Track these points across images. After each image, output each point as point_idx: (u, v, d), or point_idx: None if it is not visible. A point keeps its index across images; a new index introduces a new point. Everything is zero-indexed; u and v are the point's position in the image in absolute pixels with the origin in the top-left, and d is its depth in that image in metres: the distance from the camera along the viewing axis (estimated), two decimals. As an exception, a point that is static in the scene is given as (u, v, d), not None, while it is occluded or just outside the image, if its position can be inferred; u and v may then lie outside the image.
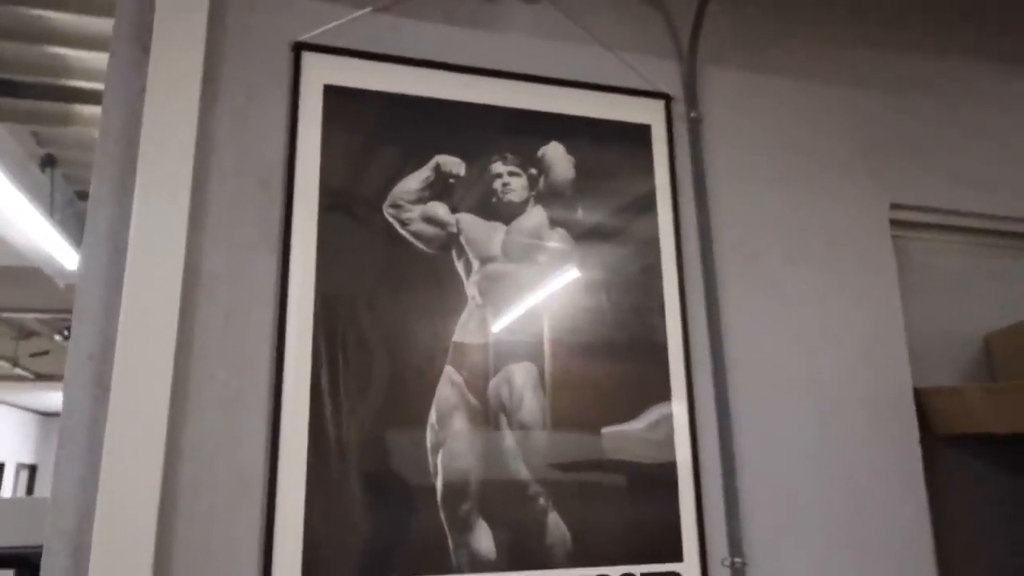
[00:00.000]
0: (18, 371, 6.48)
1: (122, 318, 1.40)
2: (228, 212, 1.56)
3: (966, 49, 2.32)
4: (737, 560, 1.63)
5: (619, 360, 1.74)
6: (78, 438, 1.40)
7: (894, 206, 2.07)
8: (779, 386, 1.84)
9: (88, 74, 2.88)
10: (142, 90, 1.53)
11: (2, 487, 8.84)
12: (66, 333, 4.99)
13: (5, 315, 5.40)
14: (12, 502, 7.74)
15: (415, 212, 1.67)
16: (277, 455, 1.46)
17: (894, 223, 2.07)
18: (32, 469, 9.85)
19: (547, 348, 1.71)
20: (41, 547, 4.32)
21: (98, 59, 2.76)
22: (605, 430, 1.68)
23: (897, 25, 2.27)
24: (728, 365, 1.79)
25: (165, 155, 1.51)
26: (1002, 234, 2.25)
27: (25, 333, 6.35)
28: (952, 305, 2.19)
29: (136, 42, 1.58)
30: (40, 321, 5.81)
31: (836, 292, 1.96)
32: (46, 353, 6.21)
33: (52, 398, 8.61)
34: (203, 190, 1.54)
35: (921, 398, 1.91)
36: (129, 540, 1.34)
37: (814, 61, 2.13)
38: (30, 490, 9.53)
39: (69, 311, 4.30)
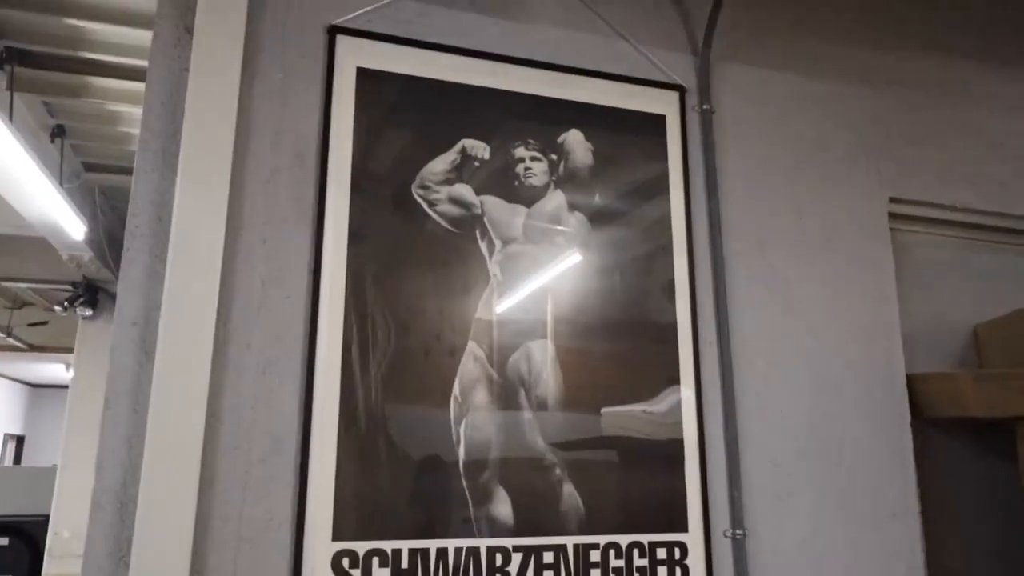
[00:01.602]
0: (11, 341, 6.44)
1: (166, 287, 1.43)
2: (265, 187, 1.59)
3: (965, 52, 2.36)
4: (738, 532, 1.68)
5: (631, 339, 1.78)
6: (123, 401, 1.43)
7: (893, 200, 2.12)
8: (780, 369, 1.88)
9: (102, 47, 2.86)
10: (184, 69, 1.56)
11: None
12: (66, 304, 4.98)
13: (1, 284, 5.37)
14: (13, 472, 7.70)
15: (442, 193, 1.69)
16: (310, 420, 1.50)
17: (892, 216, 2.11)
18: (20, 440, 9.80)
19: (564, 327, 1.74)
20: (36, 518, 4.34)
21: (114, 31, 2.77)
22: (618, 408, 1.72)
23: (902, 27, 2.30)
24: (733, 348, 1.82)
25: (207, 131, 1.54)
26: (993, 229, 2.27)
27: (18, 302, 6.28)
28: (944, 296, 2.21)
29: (179, 22, 1.60)
30: (36, 292, 5.76)
31: (836, 280, 1.99)
32: (45, 323, 6.17)
33: (44, 369, 8.57)
34: (242, 166, 1.57)
35: (913, 383, 1.94)
36: (172, 497, 1.37)
37: (821, 59, 2.16)
38: (17, 460, 9.47)
39: (69, 282, 4.30)
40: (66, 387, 6.16)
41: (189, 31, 1.60)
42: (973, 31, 2.37)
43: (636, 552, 1.65)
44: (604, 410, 1.73)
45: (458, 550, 1.56)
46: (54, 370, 8.21)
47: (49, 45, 2.87)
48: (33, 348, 6.65)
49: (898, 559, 1.87)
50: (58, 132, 3.56)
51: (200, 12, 1.60)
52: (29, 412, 10.16)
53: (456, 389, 1.63)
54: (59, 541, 4.66)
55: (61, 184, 3.39)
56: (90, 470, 1.45)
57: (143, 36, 2.64)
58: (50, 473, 5.14)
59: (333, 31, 1.69)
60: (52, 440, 8.28)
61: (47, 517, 4.73)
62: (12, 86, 2.86)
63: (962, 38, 2.35)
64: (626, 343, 1.79)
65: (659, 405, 1.75)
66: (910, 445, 1.93)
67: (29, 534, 4.58)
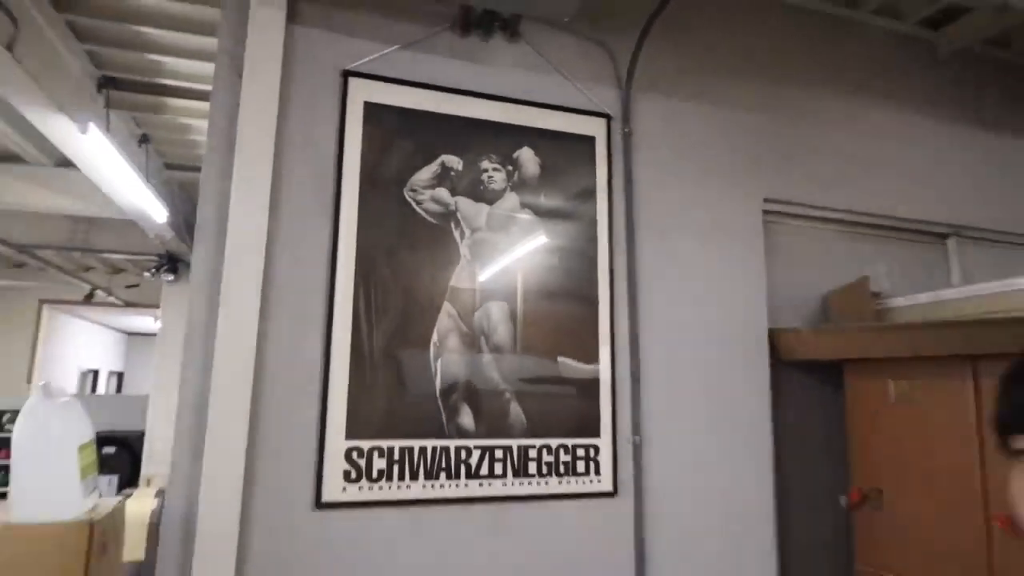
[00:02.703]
0: (111, 299, 6.48)
1: (226, 260, 1.54)
2: (296, 188, 1.67)
3: (823, 85, 2.36)
4: (636, 438, 1.82)
5: (565, 304, 1.85)
6: (197, 342, 1.54)
7: (767, 200, 2.16)
8: (675, 326, 1.95)
9: (176, 75, 2.91)
10: (236, 104, 1.62)
11: (98, 387, 8.91)
12: (153, 271, 5.04)
13: (103, 255, 5.40)
14: (116, 399, 7.89)
15: (426, 195, 1.76)
16: (329, 358, 1.60)
17: (766, 212, 2.16)
18: (120, 375, 9.90)
19: (519, 292, 1.81)
20: (134, 432, 4.56)
21: (184, 63, 2.81)
22: (561, 359, 1.81)
23: (776, 67, 2.30)
24: (640, 311, 1.91)
25: (254, 146, 1.62)
26: (841, 222, 2.33)
27: (116, 269, 6.33)
28: (803, 271, 2.23)
29: (232, 69, 1.66)
30: (129, 261, 5.78)
31: (720, 260, 2.06)
32: (137, 286, 6.21)
33: (137, 321, 8.60)
34: (279, 172, 1.64)
35: (773, 335, 2.04)
36: (233, 409, 1.49)
37: (715, 93, 2.16)
38: (119, 390, 9.57)
39: (155, 254, 4.41)
40: (154, 334, 6.22)
41: (240, 75, 1.63)
42: (830, 69, 2.39)
43: (562, 451, 1.75)
44: (547, 358, 1.80)
45: (434, 448, 1.65)
46: (144, 321, 8.17)
47: (136, 74, 2.92)
48: (128, 304, 6.71)
49: (754, 455, 1.96)
50: (144, 139, 3.60)
51: (247, 61, 1.63)
52: (127, 354, 10.16)
53: (435, 336, 1.70)
54: (153, 450, 4.77)
55: (147, 180, 3.44)
56: (174, 396, 1.53)
57: (207, 67, 2.65)
58: (144, 399, 5.26)
59: (346, 74, 1.74)
60: (144, 375, 8.39)
61: (143, 432, 4.84)
62: (108, 104, 2.93)
63: (821, 75, 2.37)
64: (560, 306, 1.84)
65: (583, 353, 1.82)
66: (767, 379, 2.02)
67: (130, 444, 4.74)
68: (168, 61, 2.82)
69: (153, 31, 2.58)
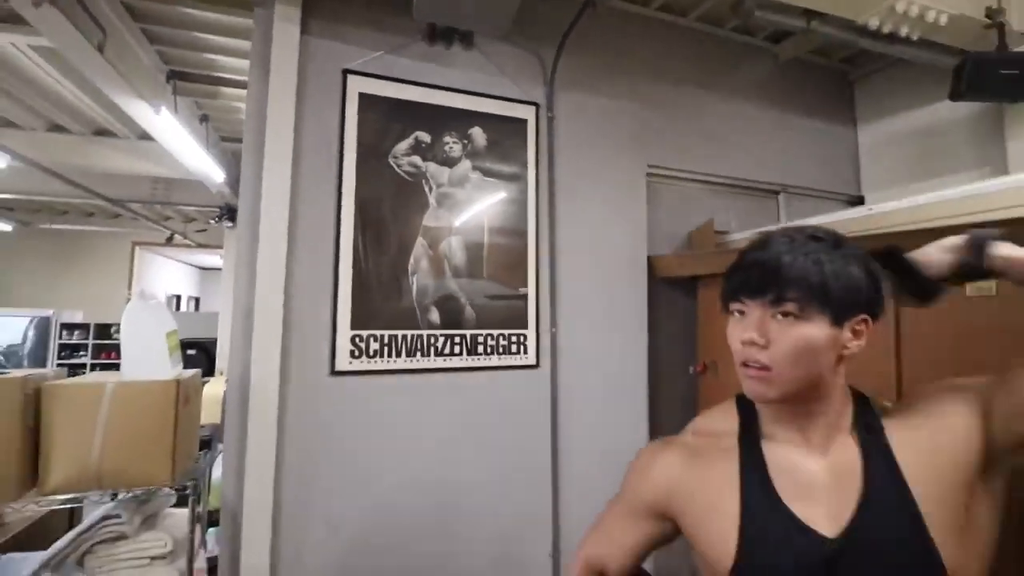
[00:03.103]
0: (186, 241, 6.43)
1: (262, 214, 1.62)
2: (311, 157, 1.71)
3: (693, 80, 2.37)
4: (553, 329, 1.94)
5: (504, 239, 1.92)
6: (244, 271, 1.61)
7: (650, 166, 2.20)
8: (582, 253, 2.02)
9: (228, 69, 2.86)
10: (266, 93, 1.66)
11: (180, 308, 8.94)
12: (216, 219, 4.97)
13: (178, 207, 5.35)
14: (194, 315, 7.95)
15: (404, 161, 1.82)
16: (337, 280, 1.69)
17: (649, 175, 2.19)
18: (197, 300, 9.90)
19: (472, 229, 1.87)
20: (210, 339, 4.70)
21: (234, 61, 2.77)
22: (494, 283, 1.89)
23: (660, 67, 2.30)
24: (557, 244, 1.99)
25: (280, 131, 1.67)
26: (704, 182, 2.37)
27: (189, 218, 6.29)
28: (675, 217, 2.28)
29: (263, 65, 1.69)
30: (198, 211, 5.74)
31: (615, 209, 2.10)
32: (205, 230, 6.19)
33: (207, 258, 8.54)
34: (298, 148, 1.69)
35: (651, 260, 2.11)
36: (272, 310, 1.59)
37: (616, 88, 2.16)
38: (197, 309, 9.65)
39: (217, 206, 4.39)
40: (220, 268, 6.23)
41: (268, 74, 1.67)
42: (698, 70, 2.38)
43: (501, 338, 1.86)
44: (486, 276, 1.89)
45: (412, 335, 1.76)
46: (213, 259, 8.12)
47: (196, 68, 2.87)
48: (199, 245, 6.67)
49: (634, 341, 2.05)
50: (204, 118, 3.54)
51: (273, 65, 1.67)
52: (201, 284, 10.12)
53: (411, 261, 1.79)
54: (223, 351, 4.81)
55: (207, 149, 3.44)
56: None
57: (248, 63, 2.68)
58: (215, 315, 5.31)
59: (345, 72, 1.76)
60: (214, 299, 8.35)
61: (215, 339, 4.92)
62: (175, 92, 2.90)
63: (691, 75, 2.37)
64: (501, 239, 1.92)
65: (519, 271, 1.91)
66: (645, 290, 2.08)
67: (207, 348, 4.84)
68: (219, 59, 2.78)
69: (208, 36, 2.56)
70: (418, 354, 1.78)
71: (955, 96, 1.86)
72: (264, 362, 1.58)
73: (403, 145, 1.84)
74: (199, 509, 1.53)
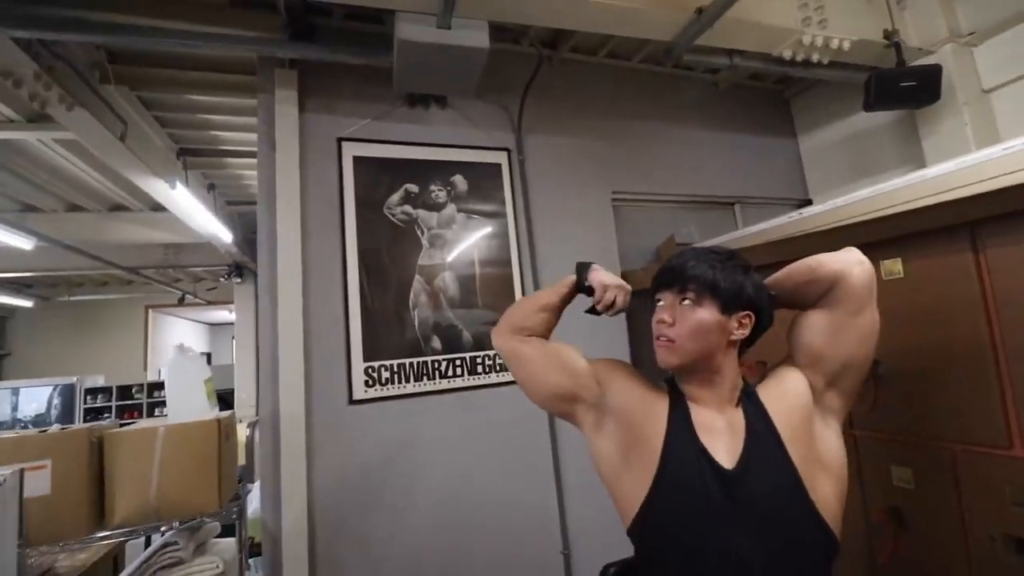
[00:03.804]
0: (197, 300, 6.56)
1: (279, 266, 1.77)
2: (316, 214, 1.87)
3: (647, 114, 2.53)
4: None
5: (492, 268, 2.06)
6: (267, 321, 1.76)
7: (614, 192, 2.36)
8: (560, 276, 2.08)
9: (232, 142, 3.06)
10: (272, 164, 1.84)
11: None
12: (225, 276, 5.07)
13: (188, 269, 5.51)
14: (211, 368, 8.02)
15: (397, 210, 1.98)
16: (348, 314, 1.84)
17: (614, 199, 2.35)
18: (208, 355, 9.90)
19: (458, 266, 2.01)
20: (226, 390, 4.79)
21: (234, 135, 2.97)
22: (486, 302, 2.02)
23: (616, 105, 2.46)
24: (539, 270, 2.11)
25: (287, 191, 1.83)
26: (663, 201, 2.51)
27: (198, 279, 6.44)
28: (642, 235, 2.40)
29: (269, 142, 1.86)
30: (206, 271, 5.88)
31: (586, 233, 2.25)
32: (215, 288, 6.34)
33: (216, 315, 8.62)
34: (305, 206, 1.86)
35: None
36: (293, 354, 1.74)
37: (581, 128, 2.33)
38: (209, 362, 9.63)
39: (226, 264, 4.54)
40: (230, 323, 6.40)
41: (273, 147, 1.83)
42: (651, 105, 2.55)
43: (497, 358, 1.97)
44: (481, 305, 2.01)
45: (418, 362, 1.90)
46: (222, 315, 8.31)
47: (204, 144, 3.08)
48: (209, 303, 6.81)
49: (619, 353, 2.11)
50: (211, 187, 3.73)
51: (278, 137, 1.83)
52: (211, 339, 10.20)
53: (411, 296, 1.94)
54: (240, 399, 4.85)
55: (215, 213, 3.60)
56: (250, 363, 1.79)
57: (249, 136, 2.84)
58: (230, 367, 5.28)
59: (340, 140, 1.93)
60: (223, 353, 8.55)
61: (232, 389, 4.96)
62: (186, 167, 3.11)
63: (645, 109, 2.53)
64: (489, 271, 2.06)
65: (504, 298, 2.00)
66: None
67: (224, 398, 4.96)
68: (223, 135, 3.00)
69: (213, 117, 2.78)
70: (424, 378, 1.92)
71: (867, 107, 2.11)
72: (291, 397, 1.74)
73: (395, 197, 2.01)
74: (243, 536, 1.69)
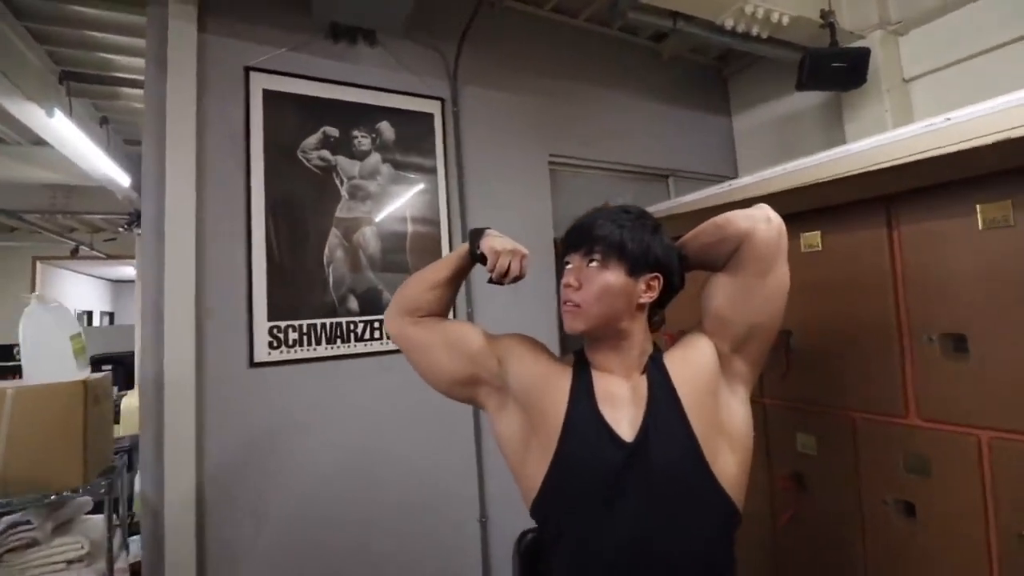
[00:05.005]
0: (95, 252, 5.95)
1: (167, 213, 1.56)
2: (216, 153, 1.66)
3: (588, 77, 2.42)
4: (469, 309, 1.97)
5: (416, 226, 1.94)
6: (151, 275, 1.57)
7: (551, 155, 2.28)
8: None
9: (127, 69, 2.69)
10: (163, 93, 1.59)
11: (95, 323, 8.23)
12: (125, 227, 4.56)
13: (81, 216, 4.89)
14: (108, 328, 7.36)
15: (313, 155, 1.80)
16: (251, 268, 1.66)
17: (551, 163, 2.28)
18: (111, 315, 9.15)
19: (380, 220, 1.87)
20: (126, 353, 4.37)
21: (129, 61, 2.59)
22: (411, 260, 1.91)
23: (557, 63, 2.36)
24: (468, 230, 1.94)
25: (181, 126, 1.60)
26: (599, 168, 2.46)
27: (95, 228, 5.80)
28: (577, 203, 2.31)
29: (160, 65, 1.61)
30: (105, 220, 5.24)
31: (521, 196, 2.17)
32: (114, 239, 5.72)
33: (119, 270, 7.93)
34: (202, 142, 1.63)
35: (557, 243, 2.17)
36: (185, 310, 1.53)
37: (517, 83, 2.23)
38: (112, 323, 8.91)
39: (126, 212, 4.05)
40: (133, 280, 5.91)
41: (165, 70, 1.59)
42: (592, 67, 2.47)
43: None
44: (411, 266, 1.89)
45: (331, 324, 1.76)
46: (126, 271, 7.60)
47: (94, 68, 2.67)
48: (110, 257, 6.18)
49: (545, 309, 2.07)
50: (104, 121, 3.31)
51: (170, 63, 1.59)
52: (114, 298, 9.34)
53: (326, 252, 1.79)
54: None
55: (110, 153, 3.19)
56: None
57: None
58: (131, 328, 5.00)
59: (247, 69, 1.72)
60: (129, 313, 7.83)
61: (133, 352, 4.61)
62: (70, 94, 2.69)
63: (586, 71, 2.45)
64: (413, 228, 1.94)
65: (431, 257, 1.90)
66: (553, 268, 2.14)
67: (124, 362, 4.54)
68: (116, 59, 2.59)
69: (101, 35, 2.38)
70: (338, 340, 1.78)
71: (800, 87, 2.10)
72: (178, 358, 1.53)
73: (312, 140, 1.82)
74: (120, 512, 1.47)
